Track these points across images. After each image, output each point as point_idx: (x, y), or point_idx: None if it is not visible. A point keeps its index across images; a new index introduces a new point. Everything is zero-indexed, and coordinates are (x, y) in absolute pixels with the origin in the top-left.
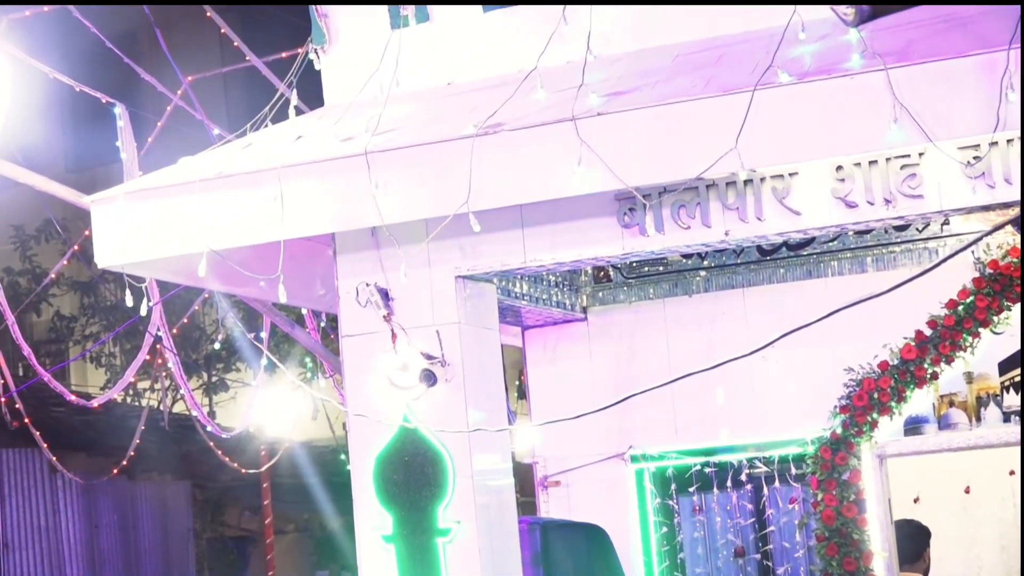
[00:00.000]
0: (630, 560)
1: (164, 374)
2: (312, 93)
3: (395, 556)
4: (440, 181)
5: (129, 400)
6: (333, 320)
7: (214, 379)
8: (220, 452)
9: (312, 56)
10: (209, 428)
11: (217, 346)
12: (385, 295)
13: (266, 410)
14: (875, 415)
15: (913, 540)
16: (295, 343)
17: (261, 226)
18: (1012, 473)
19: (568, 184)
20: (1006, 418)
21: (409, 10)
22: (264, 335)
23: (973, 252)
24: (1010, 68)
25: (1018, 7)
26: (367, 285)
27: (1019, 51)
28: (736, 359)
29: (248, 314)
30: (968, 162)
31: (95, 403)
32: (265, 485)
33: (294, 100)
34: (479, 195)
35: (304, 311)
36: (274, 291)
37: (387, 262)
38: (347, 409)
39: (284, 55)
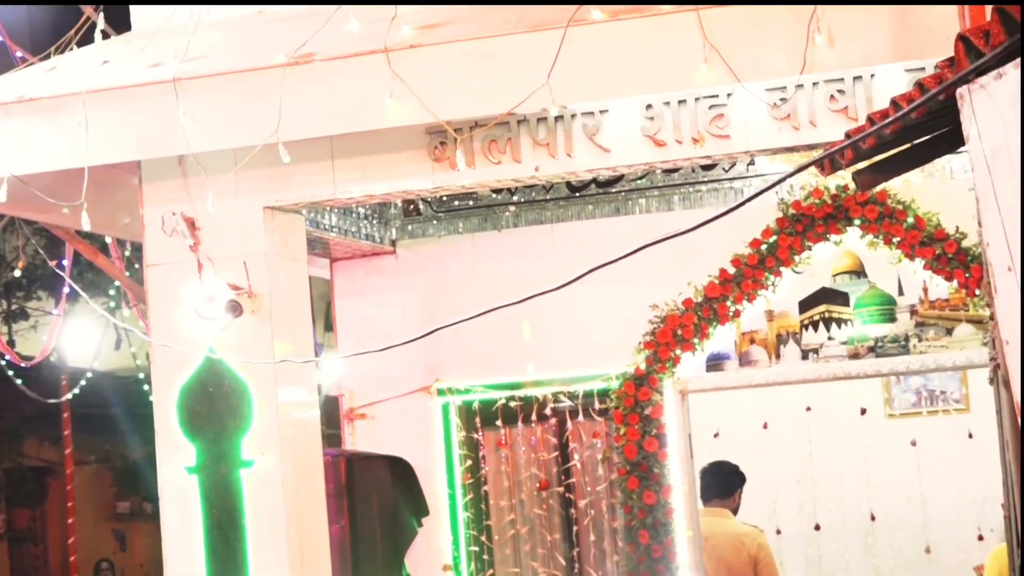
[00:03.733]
0: (434, 492)
1: None
2: (119, 17)
3: (198, 487)
4: (249, 110)
5: None
6: (138, 249)
7: (14, 307)
8: (19, 381)
9: None
10: (8, 357)
11: (18, 273)
12: (191, 224)
13: (68, 339)
14: (678, 351)
15: (727, 478)
16: (99, 272)
17: (65, 152)
18: (809, 409)
19: (379, 116)
20: (804, 356)
21: None
22: (67, 263)
23: (777, 193)
24: (817, 11)
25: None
26: (173, 214)
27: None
28: (543, 293)
29: (51, 241)
30: (775, 104)
31: None
32: (66, 415)
33: (100, 24)
34: (289, 125)
35: (109, 239)
36: (78, 218)
37: (194, 191)
38: (151, 339)
39: None
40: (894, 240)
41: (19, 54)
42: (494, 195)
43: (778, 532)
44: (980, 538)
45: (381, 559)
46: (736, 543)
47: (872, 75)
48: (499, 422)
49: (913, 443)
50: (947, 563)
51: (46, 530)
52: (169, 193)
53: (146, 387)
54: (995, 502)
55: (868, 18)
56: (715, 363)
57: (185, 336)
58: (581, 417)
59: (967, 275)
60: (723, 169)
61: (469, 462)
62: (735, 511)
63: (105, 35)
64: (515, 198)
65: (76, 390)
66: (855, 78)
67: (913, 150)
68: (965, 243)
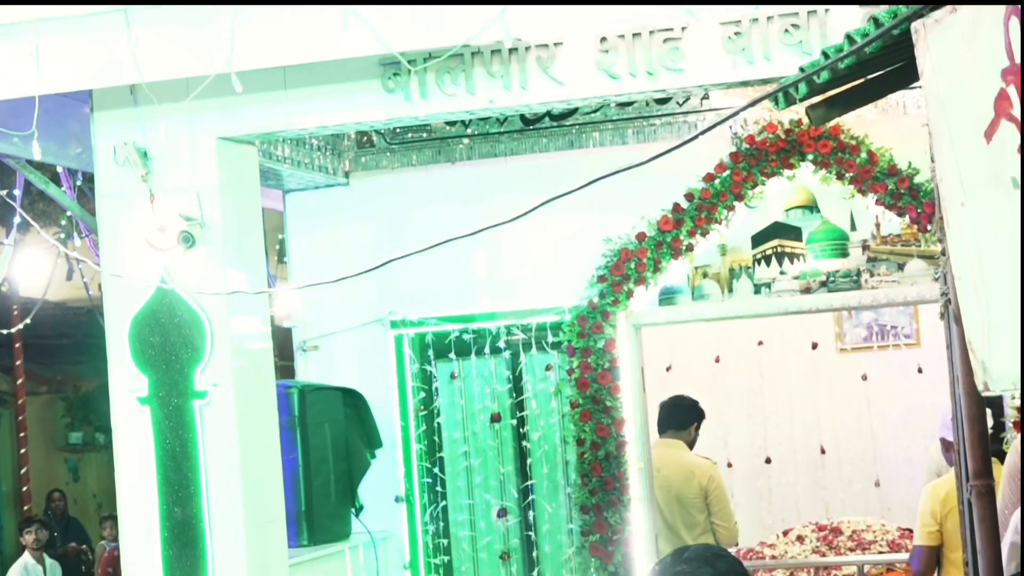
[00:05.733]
0: (388, 424)
1: None
2: None
3: (150, 418)
4: (202, 40)
5: None
6: (90, 179)
7: None
8: None
9: None
10: None
11: None
12: (143, 155)
13: (19, 270)
14: (631, 285)
15: (684, 410)
16: (51, 202)
17: (15, 80)
18: (760, 344)
19: (333, 46)
20: (756, 290)
21: None
22: (17, 192)
23: (731, 127)
24: None
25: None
26: (125, 144)
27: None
28: (496, 226)
29: (1, 171)
30: (729, 37)
31: None
32: (17, 346)
33: None
34: (242, 55)
35: (60, 169)
36: (28, 148)
37: (146, 121)
38: (103, 270)
39: None
40: (847, 175)
41: None
42: (448, 127)
43: (729, 465)
44: None
45: (334, 490)
46: (687, 474)
47: (826, 9)
48: (452, 354)
49: (864, 377)
50: (896, 496)
51: None
52: (121, 123)
53: (99, 318)
54: None
55: None
56: (668, 297)
57: (137, 267)
58: (534, 350)
59: (919, 211)
60: (677, 103)
61: (422, 394)
62: (691, 445)
63: None
64: (469, 130)
65: (28, 320)
66: (809, 12)
67: (867, 85)
68: (917, 179)
